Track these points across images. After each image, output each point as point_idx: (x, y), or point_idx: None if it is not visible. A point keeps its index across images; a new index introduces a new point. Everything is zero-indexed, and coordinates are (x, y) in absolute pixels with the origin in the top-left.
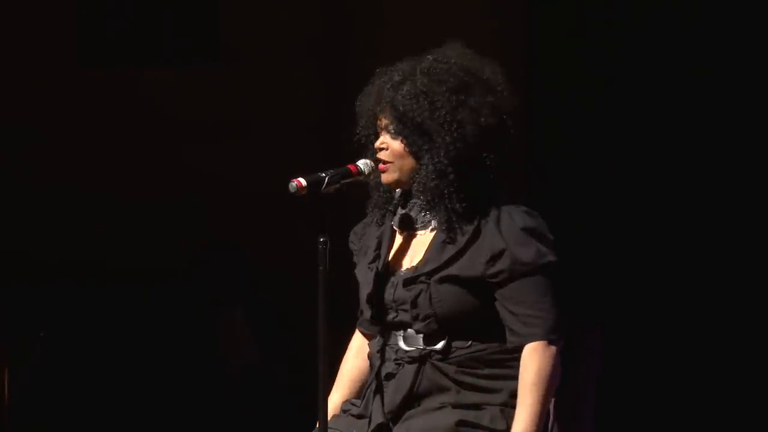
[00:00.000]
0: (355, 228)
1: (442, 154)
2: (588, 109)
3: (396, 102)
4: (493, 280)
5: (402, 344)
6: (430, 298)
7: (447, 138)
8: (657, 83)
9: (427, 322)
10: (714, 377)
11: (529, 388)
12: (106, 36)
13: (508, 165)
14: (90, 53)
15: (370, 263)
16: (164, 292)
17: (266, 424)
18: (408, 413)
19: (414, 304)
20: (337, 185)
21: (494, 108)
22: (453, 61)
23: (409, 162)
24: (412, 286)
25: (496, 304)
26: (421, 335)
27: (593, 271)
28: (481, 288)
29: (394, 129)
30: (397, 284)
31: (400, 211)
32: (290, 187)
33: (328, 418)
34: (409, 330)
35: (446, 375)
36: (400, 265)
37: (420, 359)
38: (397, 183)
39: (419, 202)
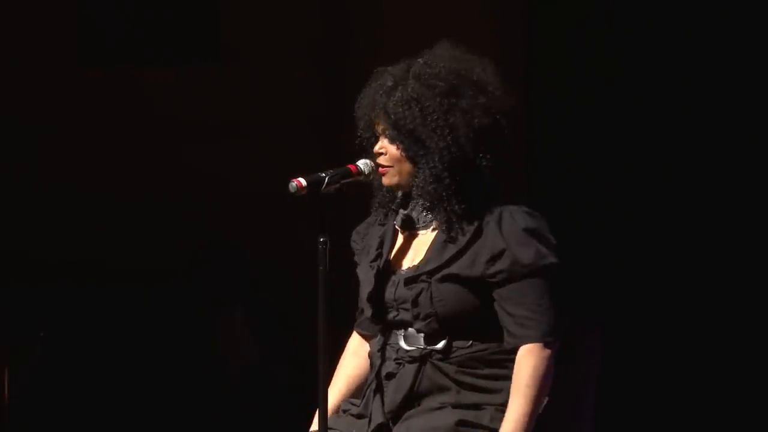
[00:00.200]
0: (357, 228)
1: (436, 159)
2: (588, 109)
3: (388, 109)
4: (492, 279)
5: (403, 343)
6: (431, 297)
7: (440, 143)
8: (657, 83)
9: (427, 321)
10: (714, 377)
11: (522, 390)
12: (106, 36)
13: (505, 164)
14: (90, 53)
15: (371, 262)
16: (164, 292)
17: (266, 424)
18: (408, 413)
19: (415, 303)
20: (337, 185)
21: (486, 109)
22: (442, 64)
23: (407, 166)
24: (413, 285)
25: (495, 304)
26: (422, 334)
27: (593, 271)
28: (482, 287)
29: (389, 135)
30: (398, 283)
31: (402, 212)
32: (290, 187)
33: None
34: (410, 329)
35: (446, 375)
36: (402, 265)
37: (420, 359)
38: (397, 186)
39: (421, 202)
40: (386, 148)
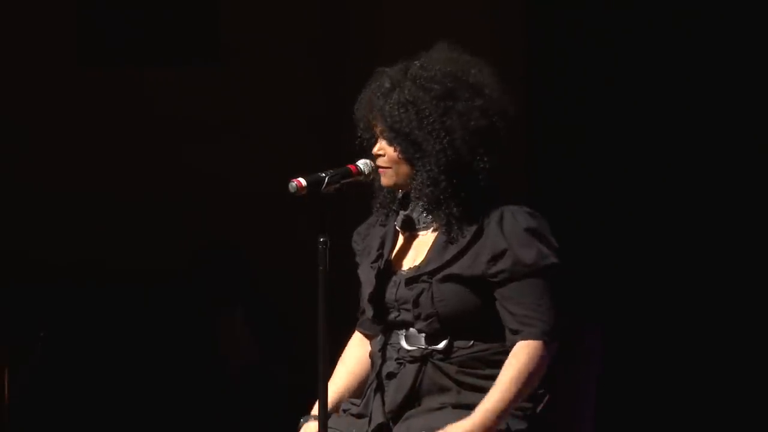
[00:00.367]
0: (358, 228)
1: (433, 161)
2: (588, 110)
3: (385, 112)
4: (494, 279)
5: (404, 343)
6: (432, 298)
7: (437, 146)
8: (657, 83)
9: (429, 321)
10: (714, 377)
11: (505, 384)
12: (106, 36)
13: (503, 165)
14: (90, 53)
15: (372, 263)
16: (164, 292)
17: (266, 424)
18: (408, 413)
19: (416, 303)
20: (337, 185)
21: (483, 111)
22: (438, 67)
23: (405, 168)
24: (414, 285)
25: (496, 303)
26: (423, 335)
27: (593, 271)
28: (483, 287)
29: (387, 137)
30: (399, 283)
31: (403, 212)
32: (290, 187)
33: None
34: (412, 329)
35: (447, 375)
36: (403, 265)
37: (421, 359)
38: (395, 186)
39: (420, 203)
40: (385, 150)
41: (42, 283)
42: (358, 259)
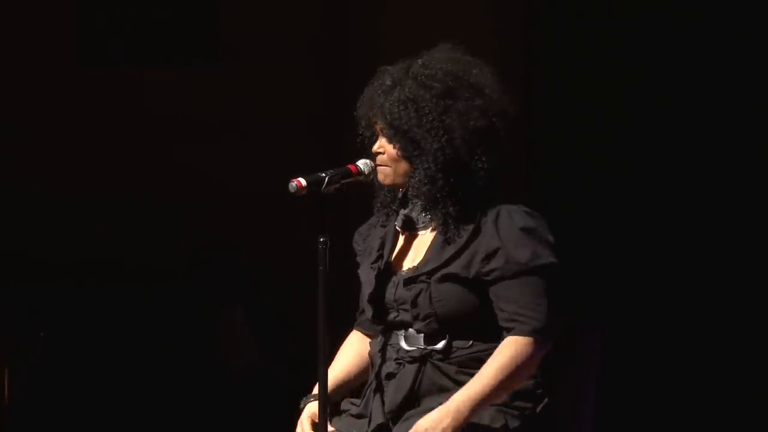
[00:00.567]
0: (359, 229)
1: (431, 160)
2: (588, 110)
3: (385, 109)
4: (487, 278)
5: (403, 344)
6: (430, 298)
7: (435, 145)
8: (657, 83)
9: (427, 321)
10: (714, 377)
11: (488, 374)
12: (106, 36)
13: (503, 166)
14: (90, 53)
15: (372, 263)
16: (164, 292)
17: (266, 424)
18: (408, 413)
19: (414, 303)
20: (337, 185)
21: (483, 111)
22: (439, 66)
23: (404, 166)
24: (413, 285)
25: (492, 303)
26: (422, 335)
27: (593, 271)
28: (480, 287)
29: (386, 134)
30: (398, 284)
31: (402, 212)
32: (290, 187)
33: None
34: (410, 329)
35: (447, 375)
36: (402, 265)
37: (421, 359)
38: (394, 184)
39: (418, 202)
40: (384, 147)
41: (42, 283)
42: (359, 259)
